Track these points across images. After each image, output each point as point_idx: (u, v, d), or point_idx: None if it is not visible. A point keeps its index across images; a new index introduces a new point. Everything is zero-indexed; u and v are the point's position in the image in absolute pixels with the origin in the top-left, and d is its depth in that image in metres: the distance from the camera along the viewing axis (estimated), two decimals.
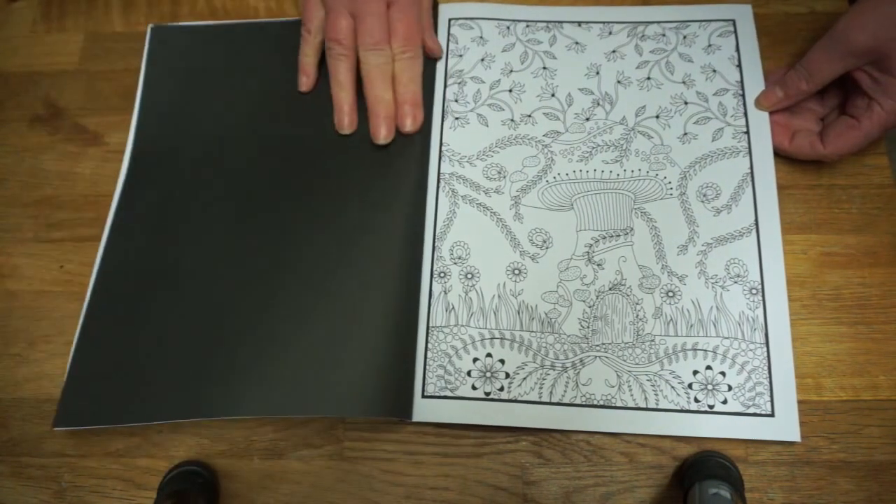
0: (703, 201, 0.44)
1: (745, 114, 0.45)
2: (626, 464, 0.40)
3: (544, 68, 0.48)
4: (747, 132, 0.45)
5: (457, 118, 0.47)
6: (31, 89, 0.51)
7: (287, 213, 0.44)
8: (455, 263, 0.43)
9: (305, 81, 0.47)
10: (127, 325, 0.42)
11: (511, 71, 0.48)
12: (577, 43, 0.49)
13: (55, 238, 0.47)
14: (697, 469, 0.37)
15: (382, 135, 0.44)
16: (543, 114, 0.47)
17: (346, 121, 0.45)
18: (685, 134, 0.45)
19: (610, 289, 0.42)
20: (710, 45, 0.48)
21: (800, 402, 0.40)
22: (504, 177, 0.45)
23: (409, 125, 0.45)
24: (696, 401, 0.39)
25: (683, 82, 0.47)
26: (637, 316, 0.41)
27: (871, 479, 0.39)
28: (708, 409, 0.39)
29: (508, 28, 0.50)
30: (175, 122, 0.49)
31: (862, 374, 0.41)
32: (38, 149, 0.50)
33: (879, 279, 0.43)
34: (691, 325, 0.41)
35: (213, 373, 0.40)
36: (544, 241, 0.43)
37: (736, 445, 0.39)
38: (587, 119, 0.46)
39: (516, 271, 0.43)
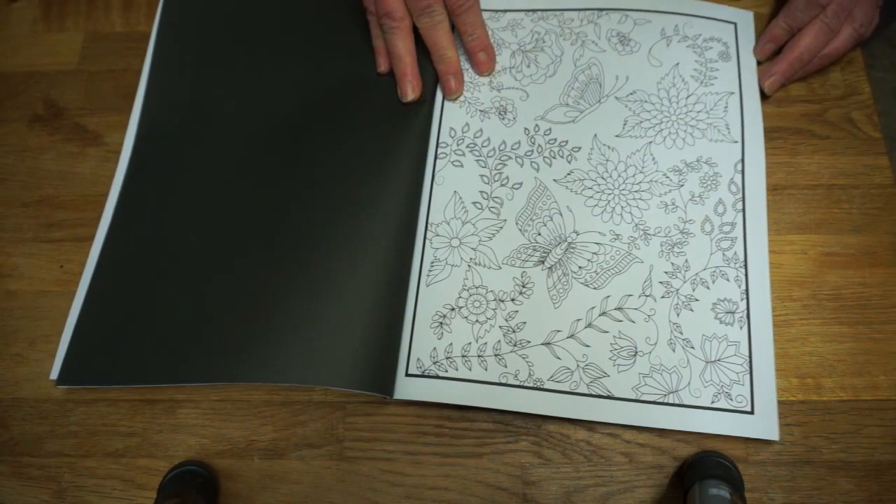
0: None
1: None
2: (626, 464, 0.40)
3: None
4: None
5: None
6: (31, 89, 0.51)
7: (284, 188, 0.45)
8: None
9: (382, 62, 0.48)
10: (131, 289, 0.44)
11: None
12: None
13: (55, 238, 0.47)
14: (697, 469, 0.37)
15: (452, 89, 0.47)
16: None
17: (408, 88, 0.46)
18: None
19: None
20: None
21: (800, 403, 0.40)
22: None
23: (487, 69, 0.47)
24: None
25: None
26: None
27: (871, 479, 0.39)
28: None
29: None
30: (186, 90, 0.49)
31: (862, 374, 0.41)
32: (38, 149, 0.50)
33: (879, 279, 0.43)
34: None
35: (203, 339, 0.41)
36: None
37: (736, 445, 0.39)
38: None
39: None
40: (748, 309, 0.41)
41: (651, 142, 0.45)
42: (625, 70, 0.47)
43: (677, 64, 0.47)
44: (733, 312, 0.41)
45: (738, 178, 0.44)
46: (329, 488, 0.40)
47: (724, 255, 0.42)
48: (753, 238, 0.43)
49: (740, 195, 0.44)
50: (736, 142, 0.45)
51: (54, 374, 0.42)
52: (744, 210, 0.43)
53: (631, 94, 0.47)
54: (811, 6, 0.45)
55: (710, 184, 0.44)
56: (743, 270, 0.42)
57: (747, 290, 0.42)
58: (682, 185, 0.44)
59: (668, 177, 0.44)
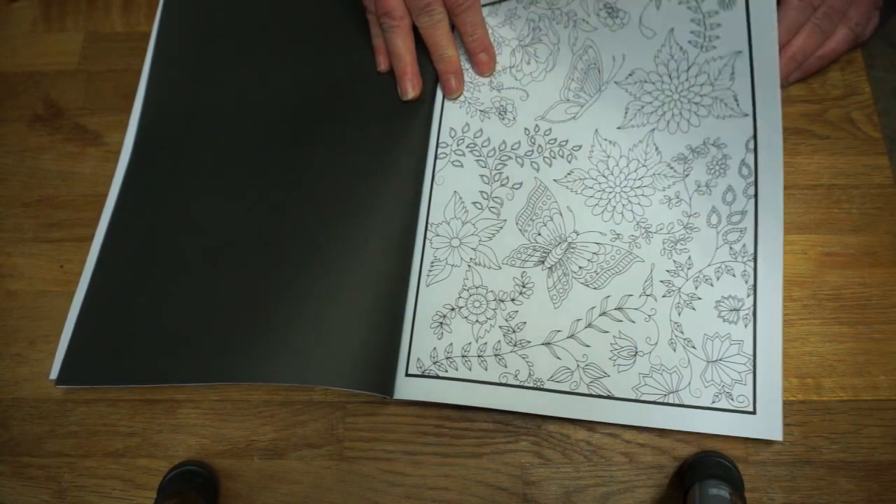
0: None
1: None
2: (626, 464, 0.40)
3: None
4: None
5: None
6: (31, 89, 0.51)
7: (284, 188, 0.45)
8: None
9: (382, 61, 0.48)
10: (130, 289, 0.44)
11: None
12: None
13: (55, 238, 0.47)
14: (697, 469, 0.37)
15: (452, 88, 0.46)
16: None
17: (408, 86, 0.46)
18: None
19: None
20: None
21: (800, 403, 0.40)
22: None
23: (487, 69, 0.47)
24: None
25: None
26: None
27: (871, 479, 0.39)
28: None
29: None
30: (186, 90, 0.49)
31: (862, 374, 0.41)
32: (38, 149, 0.50)
33: (879, 279, 0.43)
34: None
35: (203, 339, 0.41)
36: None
37: (736, 445, 0.39)
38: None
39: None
40: (755, 305, 0.41)
41: (654, 129, 0.44)
42: (620, 48, 0.46)
43: (672, 29, 0.45)
44: (738, 310, 0.41)
45: (749, 159, 0.42)
46: (329, 488, 0.40)
47: (731, 248, 0.42)
48: (766, 225, 0.41)
49: (752, 178, 0.42)
50: (746, 115, 0.43)
51: (54, 374, 0.42)
52: (756, 195, 0.42)
53: (630, 75, 0.45)
54: (804, 7, 0.45)
55: (718, 169, 0.42)
56: (752, 264, 0.41)
57: (755, 285, 0.41)
58: (688, 175, 0.43)
59: (671, 167, 0.43)
